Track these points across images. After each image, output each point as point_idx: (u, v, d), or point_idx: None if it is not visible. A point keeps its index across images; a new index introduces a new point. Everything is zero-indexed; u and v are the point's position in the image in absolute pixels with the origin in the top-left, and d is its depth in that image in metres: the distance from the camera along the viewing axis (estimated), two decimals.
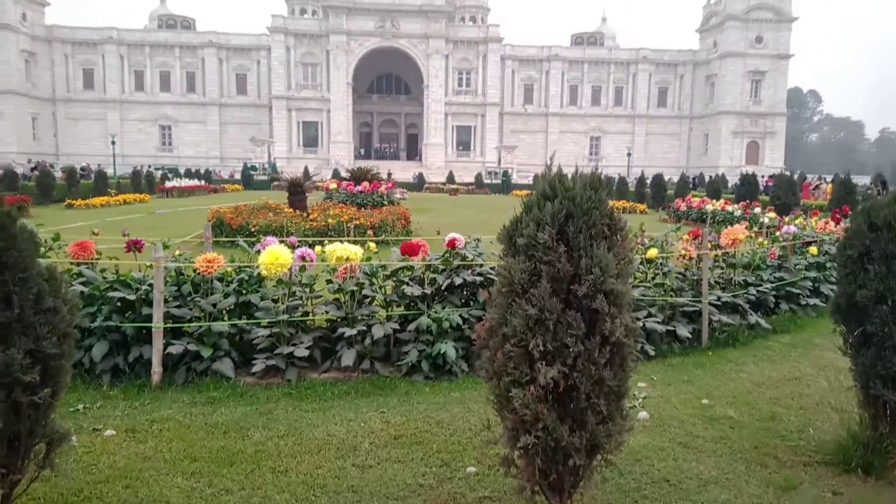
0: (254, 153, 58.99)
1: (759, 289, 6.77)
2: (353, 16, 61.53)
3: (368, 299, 5.14)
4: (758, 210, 16.87)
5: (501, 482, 3.04)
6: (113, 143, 54.03)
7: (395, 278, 5.27)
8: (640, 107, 69.62)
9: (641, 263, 6.24)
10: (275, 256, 4.47)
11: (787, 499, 3.05)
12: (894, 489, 3.14)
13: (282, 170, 48.51)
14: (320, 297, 5.20)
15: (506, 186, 45.20)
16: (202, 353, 4.48)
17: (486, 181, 48.02)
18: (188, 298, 4.78)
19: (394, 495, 3.00)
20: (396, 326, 4.92)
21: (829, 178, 37.24)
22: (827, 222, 9.81)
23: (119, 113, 64.74)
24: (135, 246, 5.04)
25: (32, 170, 37.78)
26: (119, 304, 4.57)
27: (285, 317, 4.78)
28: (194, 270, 4.77)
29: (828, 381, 4.83)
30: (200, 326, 4.61)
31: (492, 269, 5.09)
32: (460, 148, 66.03)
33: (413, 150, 69.27)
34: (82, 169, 40.25)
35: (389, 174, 39.58)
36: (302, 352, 4.61)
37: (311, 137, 64.56)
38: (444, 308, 4.95)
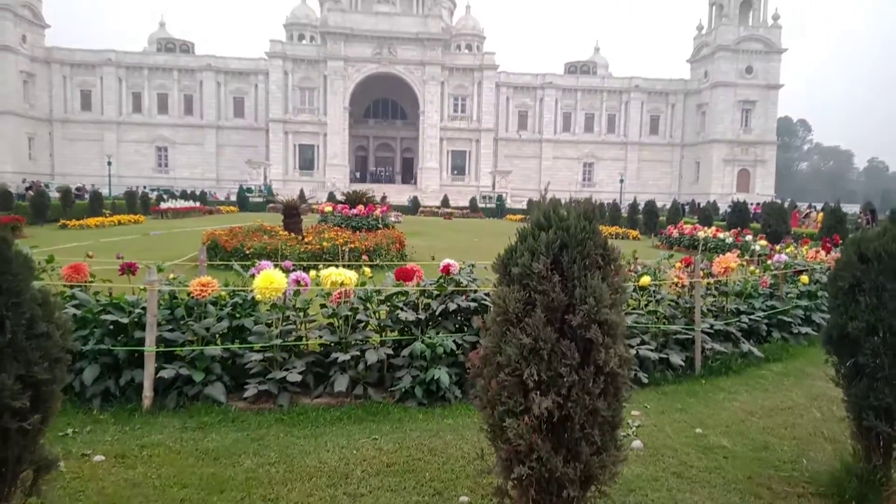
0: (250, 175, 59.16)
1: (752, 317, 6.80)
2: (350, 42, 62.39)
3: (362, 324, 5.12)
4: (749, 238, 16.98)
5: None
6: (109, 163, 54.26)
7: (389, 303, 5.26)
8: (632, 134, 70.56)
9: (634, 290, 6.27)
10: (269, 280, 4.47)
11: None
12: None
13: (277, 192, 48.69)
14: (314, 321, 5.18)
15: (500, 211, 45.44)
16: (194, 377, 4.44)
17: (481, 205, 48.20)
18: (181, 322, 4.74)
19: None
20: (390, 352, 4.90)
21: (819, 207, 37.67)
22: (818, 251, 9.88)
23: (116, 134, 65.02)
24: (129, 269, 5.03)
25: (27, 189, 37.72)
26: (111, 327, 4.54)
27: (278, 341, 4.75)
28: (188, 294, 4.76)
29: (820, 411, 4.83)
30: (193, 350, 4.58)
31: (486, 294, 5.10)
32: (455, 172, 66.50)
33: (408, 174, 69.67)
34: (77, 189, 40.30)
35: (384, 197, 39.72)
36: (295, 377, 4.57)
37: (307, 160, 64.93)
38: (438, 333, 4.94)
